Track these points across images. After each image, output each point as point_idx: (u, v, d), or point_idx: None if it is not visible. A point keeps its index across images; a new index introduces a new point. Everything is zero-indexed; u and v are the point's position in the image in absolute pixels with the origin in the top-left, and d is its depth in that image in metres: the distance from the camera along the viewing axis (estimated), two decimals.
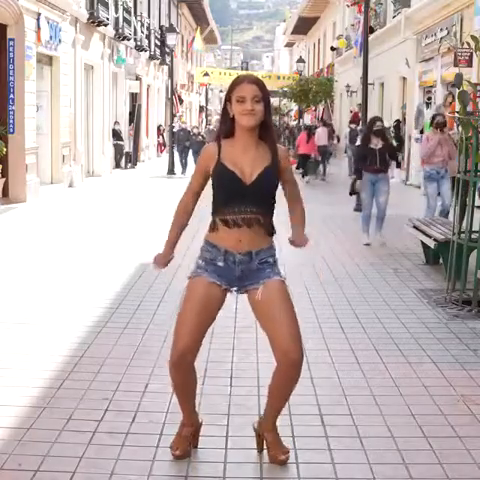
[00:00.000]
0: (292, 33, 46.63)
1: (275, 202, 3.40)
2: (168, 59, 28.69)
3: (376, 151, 9.63)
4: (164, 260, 3.54)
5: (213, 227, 3.37)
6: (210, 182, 3.42)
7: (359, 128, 16.97)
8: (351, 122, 25.11)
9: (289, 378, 3.35)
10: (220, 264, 3.35)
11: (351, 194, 10.91)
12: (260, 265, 3.35)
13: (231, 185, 3.29)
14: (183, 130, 24.79)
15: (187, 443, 3.51)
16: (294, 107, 34.67)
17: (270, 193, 3.35)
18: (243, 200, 3.28)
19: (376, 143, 9.64)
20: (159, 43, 31.23)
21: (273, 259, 3.41)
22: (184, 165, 23.29)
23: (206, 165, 3.37)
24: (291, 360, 3.28)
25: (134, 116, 26.39)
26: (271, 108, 3.40)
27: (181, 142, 23.68)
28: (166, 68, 32.57)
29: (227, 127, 3.36)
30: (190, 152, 23.49)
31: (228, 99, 3.34)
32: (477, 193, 8.56)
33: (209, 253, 3.38)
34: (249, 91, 3.26)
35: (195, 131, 25.35)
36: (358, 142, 14.13)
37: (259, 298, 3.31)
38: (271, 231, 3.40)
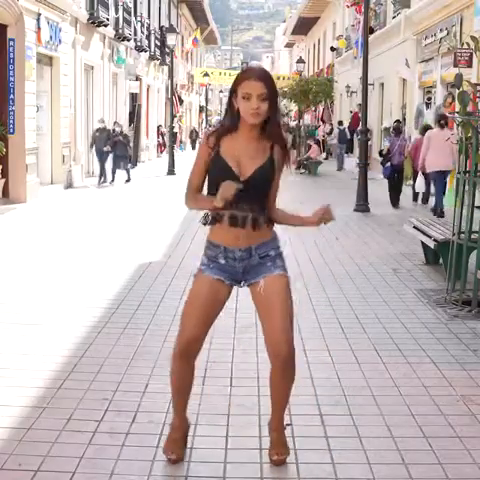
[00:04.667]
0: (292, 33, 46.58)
1: (269, 197, 3.34)
2: (168, 59, 28.71)
3: None
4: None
5: (207, 222, 3.32)
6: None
7: (359, 129, 16.96)
8: (340, 123, 26.16)
9: (282, 374, 3.32)
10: (222, 261, 3.32)
11: None
12: (261, 259, 3.31)
13: (225, 179, 3.18)
14: (101, 130, 18.94)
15: (180, 445, 3.50)
16: (294, 107, 34.65)
17: (264, 190, 3.30)
18: (238, 195, 3.17)
19: None
20: (159, 43, 31.24)
21: (275, 252, 3.35)
22: (102, 172, 18.80)
23: (205, 158, 3.30)
24: (280, 355, 3.26)
25: (134, 116, 26.39)
26: (278, 104, 3.28)
27: (98, 145, 18.58)
28: (166, 68, 32.57)
29: (233, 120, 3.27)
30: (110, 157, 18.83)
31: (234, 91, 3.24)
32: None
33: (210, 251, 3.35)
34: (255, 88, 3.15)
35: (117, 130, 19.61)
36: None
37: (261, 293, 3.30)
38: (269, 224, 3.35)
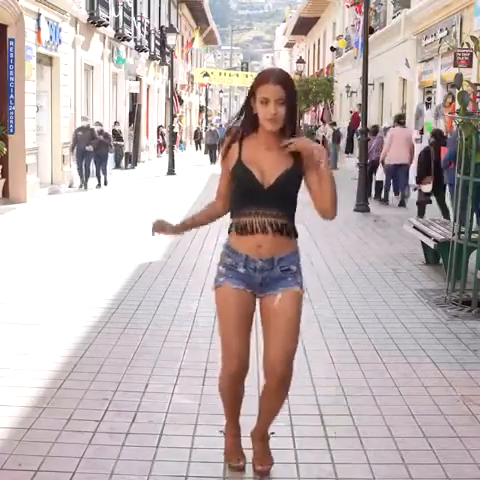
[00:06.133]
0: (292, 33, 46.57)
1: (296, 205, 3.21)
2: (168, 59, 28.72)
3: None
4: (161, 225, 3.30)
5: (231, 230, 3.19)
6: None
7: (359, 129, 16.97)
8: (333, 124, 27.21)
9: (275, 393, 3.19)
10: (241, 270, 3.16)
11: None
12: (282, 272, 3.20)
13: (249, 186, 3.09)
14: (84, 128, 17.53)
15: (242, 451, 3.41)
16: None
17: (291, 196, 3.15)
18: (262, 203, 3.08)
19: None
20: (159, 43, 31.25)
21: (296, 267, 3.25)
22: (85, 175, 17.55)
23: (228, 164, 3.18)
24: (277, 374, 3.12)
25: (134, 116, 26.39)
26: (297, 106, 3.14)
27: (80, 145, 17.24)
28: (166, 68, 32.59)
29: (252, 124, 3.13)
30: (93, 158, 17.64)
31: (252, 94, 3.10)
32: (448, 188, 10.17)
33: (230, 259, 3.19)
34: (273, 93, 3.02)
35: (97, 129, 18.05)
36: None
37: (274, 307, 3.15)
38: (294, 234, 3.21)
